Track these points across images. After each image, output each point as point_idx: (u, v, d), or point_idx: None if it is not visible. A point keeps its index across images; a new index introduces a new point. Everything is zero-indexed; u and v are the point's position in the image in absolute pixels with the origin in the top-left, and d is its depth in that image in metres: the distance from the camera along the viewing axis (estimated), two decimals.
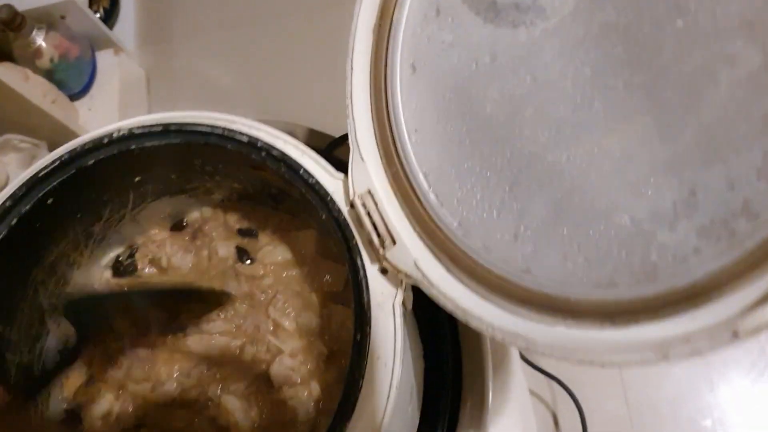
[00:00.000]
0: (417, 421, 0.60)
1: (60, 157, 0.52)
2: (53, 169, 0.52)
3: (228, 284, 0.60)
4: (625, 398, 1.18)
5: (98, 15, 1.45)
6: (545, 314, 0.40)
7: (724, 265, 0.34)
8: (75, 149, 0.52)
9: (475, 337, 0.65)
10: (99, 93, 1.36)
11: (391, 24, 0.48)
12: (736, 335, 0.33)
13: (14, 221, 0.51)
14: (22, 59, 1.22)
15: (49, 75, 1.25)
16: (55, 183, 0.52)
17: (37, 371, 0.59)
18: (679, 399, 1.16)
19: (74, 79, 1.31)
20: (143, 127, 0.52)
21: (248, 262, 0.62)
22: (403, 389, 0.47)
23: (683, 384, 1.16)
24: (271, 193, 0.61)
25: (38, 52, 1.22)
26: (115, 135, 0.52)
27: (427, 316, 0.62)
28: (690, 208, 0.35)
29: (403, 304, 0.47)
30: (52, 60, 1.23)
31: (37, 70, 1.23)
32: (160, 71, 1.53)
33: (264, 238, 0.63)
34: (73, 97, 1.33)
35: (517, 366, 0.74)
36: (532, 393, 1.16)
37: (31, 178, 0.52)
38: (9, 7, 1.15)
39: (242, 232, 0.64)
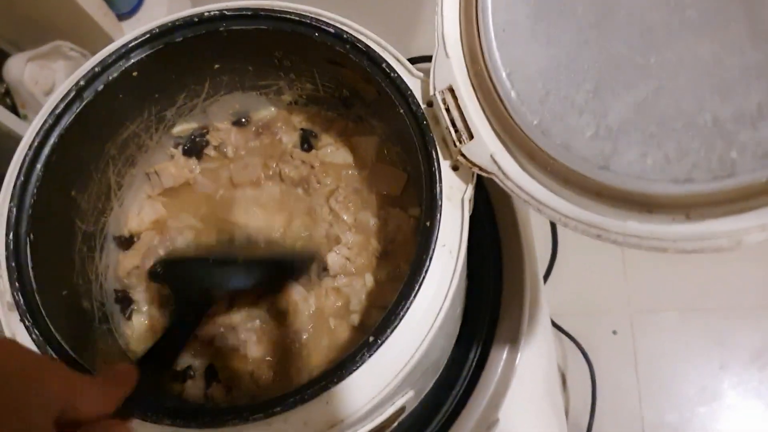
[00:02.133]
0: (458, 331, 0.63)
1: (150, 31, 0.54)
2: (143, 41, 0.54)
3: (283, 167, 0.63)
4: (635, 370, 1.21)
5: None
6: (620, 208, 0.42)
7: None
8: (165, 24, 0.54)
9: (517, 262, 0.67)
10: (145, 17, 1.38)
11: None
12: None
13: (100, 87, 0.53)
14: None
15: None
16: (142, 56, 0.54)
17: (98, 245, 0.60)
18: (688, 377, 1.19)
19: None
20: (234, 9, 0.54)
21: (306, 146, 0.65)
22: (461, 280, 0.49)
23: (693, 361, 1.19)
24: (342, 96, 0.62)
25: None
26: (206, 14, 0.54)
27: (474, 239, 0.65)
28: None
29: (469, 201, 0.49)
30: None
31: None
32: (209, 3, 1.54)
33: (327, 139, 0.65)
34: (120, 17, 1.34)
35: (545, 306, 0.76)
36: None
37: (122, 46, 0.53)
38: None
39: (305, 132, 0.66)
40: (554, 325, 1.14)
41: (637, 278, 1.25)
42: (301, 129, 0.66)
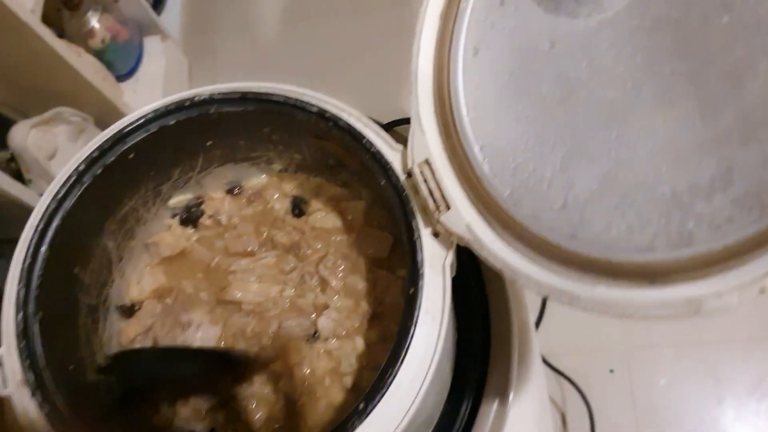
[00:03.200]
0: (448, 386, 0.65)
1: (145, 116, 0.57)
2: (138, 126, 0.57)
3: (275, 234, 0.66)
4: (633, 405, 1.22)
5: (148, 2, 1.51)
6: (588, 274, 0.44)
7: (755, 232, 0.38)
8: (159, 109, 0.57)
9: (504, 314, 0.69)
10: (144, 77, 1.43)
11: (457, 11, 0.53)
12: (763, 291, 0.37)
13: (99, 171, 0.56)
14: (75, 38, 1.29)
15: (99, 55, 1.31)
16: (138, 139, 0.57)
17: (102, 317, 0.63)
18: (686, 411, 1.19)
19: (122, 61, 1.37)
20: (222, 93, 0.57)
21: (297, 212, 0.68)
22: (446, 342, 0.51)
23: (691, 396, 1.20)
24: (328, 164, 0.66)
25: (91, 32, 1.28)
26: (196, 98, 0.57)
27: (460, 295, 0.67)
28: (726, 182, 0.40)
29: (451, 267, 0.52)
30: (103, 41, 1.30)
31: (88, 49, 1.29)
32: (203, 60, 1.60)
33: (316, 204, 0.68)
34: (120, 78, 1.39)
35: (536, 352, 0.78)
36: None
37: (118, 131, 0.56)
38: None
39: (296, 199, 0.69)
40: (550, 366, 1.16)
41: None
42: (292, 196, 0.69)
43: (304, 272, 0.64)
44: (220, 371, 0.62)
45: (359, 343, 0.61)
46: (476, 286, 0.69)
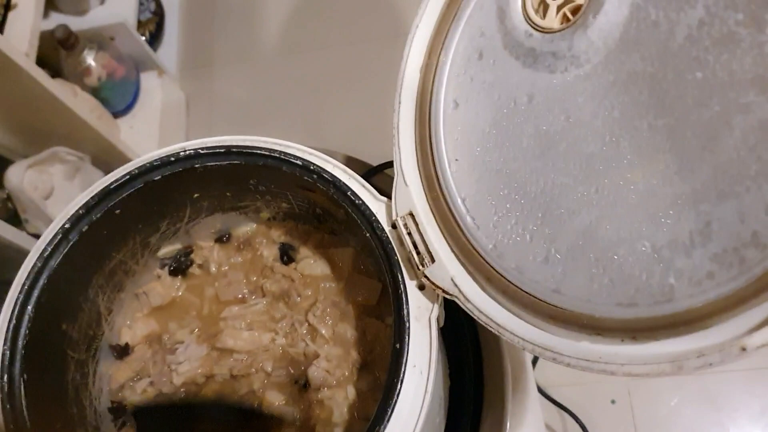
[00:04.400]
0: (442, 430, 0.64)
1: (130, 172, 0.57)
2: (123, 182, 0.57)
3: (265, 282, 0.66)
4: None
5: (144, 38, 1.52)
6: (572, 330, 0.44)
7: (734, 289, 0.38)
8: (144, 165, 0.57)
9: (496, 360, 0.69)
10: (141, 112, 1.44)
11: (437, 65, 0.53)
12: (744, 350, 0.37)
13: (85, 228, 0.57)
14: (71, 76, 1.30)
15: (96, 93, 1.33)
16: (124, 195, 0.57)
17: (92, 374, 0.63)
18: None
19: (119, 98, 1.39)
20: (207, 147, 0.57)
21: (285, 259, 0.68)
22: (434, 397, 0.51)
23: (694, 426, 1.18)
24: (315, 213, 0.66)
25: (87, 70, 1.30)
26: (181, 154, 0.57)
27: (453, 339, 0.67)
28: (705, 237, 0.40)
29: (437, 319, 0.52)
30: (99, 78, 1.31)
31: (84, 87, 1.31)
32: (200, 95, 1.61)
33: (305, 251, 0.68)
34: (116, 114, 1.41)
35: (533, 393, 0.77)
36: (546, 425, 1.18)
37: (104, 189, 0.57)
38: (64, 27, 1.23)
39: (284, 246, 0.69)
40: (550, 399, 1.16)
41: None
42: (281, 243, 0.69)
43: (294, 320, 0.64)
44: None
45: (350, 393, 0.61)
46: (468, 329, 0.69)
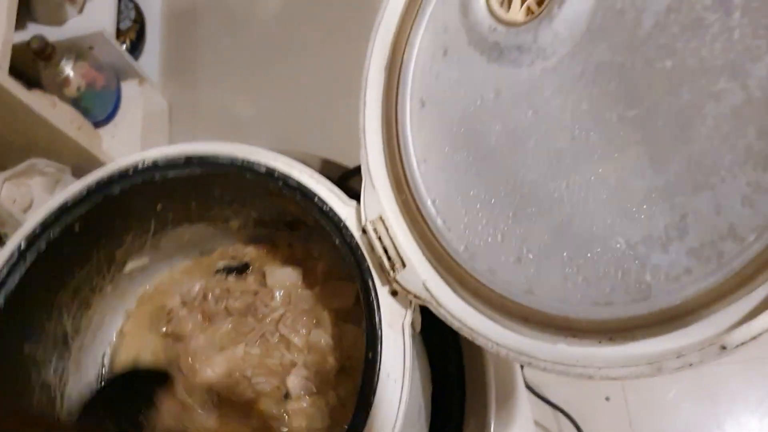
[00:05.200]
0: None
1: (88, 186, 0.55)
2: (81, 199, 0.55)
3: (227, 301, 0.64)
4: None
5: (125, 47, 1.51)
6: (547, 332, 0.43)
7: (713, 284, 0.37)
8: (102, 179, 0.55)
9: (479, 363, 0.67)
10: (122, 121, 1.42)
11: (401, 63, 0.51)
12: (724, 349, 0.35)
13: (43, 246, 0.54)
14: (50, 87, 1.28)
15: (76, 103, 1.30)
16: (82, 211, 0.55)
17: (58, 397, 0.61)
18: None
19: (99, 107, 1.37)
20: (166, 158, 0.55)
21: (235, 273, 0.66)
22: (411, 406, 0.49)
23: (690, 420, 1.17)
24: (286, 221, 0.64)
25: (66, 80, 1.27)
26: (140, 166, 0.55)
27: (435, 342, 0.65)
28: (681, 231, 0.38)
29: (412, 325, 0.50)
30: (79, 89, 1.29)
31: (64, 98, 1.29)
32: (182, 102, 1.59)
33: (277, 260, 0.66)
34: (98, 124, 1.38)
35: (522, 394, 0.76)
36: (538, 424, 1.17)
37: (61, 206, 0.54)
38: (40, 37, 1.21)
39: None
40: (541, 398, 1.14)
41: None
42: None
43: (265, 331, 0.62)
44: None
45: (332, 398, 0.59)
46: (450, 330, 0.67)
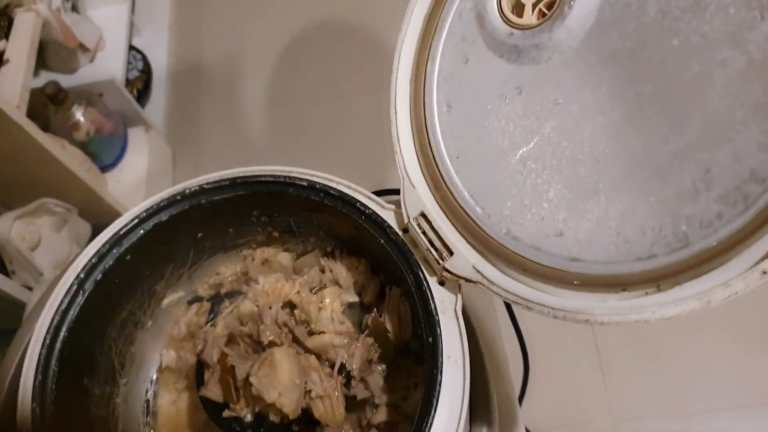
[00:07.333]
0: None
1: (138, 215, 0.58)
2: (133, 227, 0.58)
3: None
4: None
5: (132, 95, 1.56)
6: (597, 291, 0.47)
7: (743, 223, 0.42)
8: (151, 206, 0.58)
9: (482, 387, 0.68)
10: (128, 167, 1.46)
11: (425, 74, 0.57)
12: (765, 273, 0.40)
13: (99, 276, 0.57)
14: (60, 131, 1.32)
15: (84, 147, 1.35)
16: (134, 239, 0.58)
17: None
18: None
19: (106, 152, 1.42)
20: (212, 182, 0.59)
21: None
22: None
23: None
24: (318, 236, 0.67)
25: (76, 125, 1.33)
26: (187, 191, 0.58)
27: None
28: (707, 183, 0.43)
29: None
30: (88, 133, 1.33)
31: (73, 142, 1.33)
32: (186, 149, 1.66)
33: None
34: (104, 169, 1.43)
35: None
36: None
37: (114, 234, 0.57)
38: (54, 83, 1.28)
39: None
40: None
41: (617, 385, 1.26)
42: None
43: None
44: None
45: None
46: None
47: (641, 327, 1.27)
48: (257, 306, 0.65)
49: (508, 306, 0.91)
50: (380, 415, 0.61)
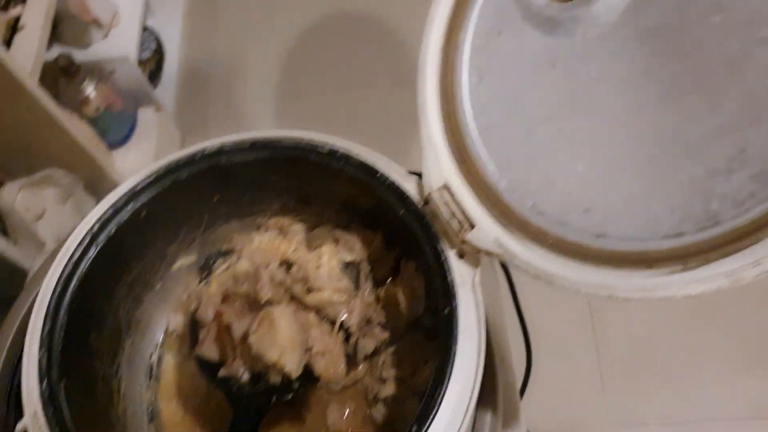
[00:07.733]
0: None
1: (156, 171, 0.57)
2: (151, 182, 0.57)
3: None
4: None
5: (144, 74, 1.54)
6: (622, 267, 0.46)
7: None
8: (170, 164, 0.57)
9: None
10: (135, 146, 1.45)
11: (457, 43, 0.56)
12: None
13: (113, 230, 0.56)
14: (69, 105, 1.30)
15: (93, 123, 1.33)
16: (151, 195, 0.57)
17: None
18: None
19: (115, 129, 1.40)
20: (232, 143, 0.58)
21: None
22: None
23: None
24: (337, 208, 0.66)
25: (86, 100, 1.31)
26: (207, 150, 0.58)
27: None
28: (741, 162, 0.43)
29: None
30: (98, 109, 1.32)
31: (82, 116, 1.31)
32: (195, 134, 1.64)
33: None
34: (111, 147, 1.40)
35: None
36: None
37: (131, 189, 0.56)
38: (67, 56, 1.26)
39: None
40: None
41: (616, 391, 1.25)
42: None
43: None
44: None
45: None
46: None
47: (642, 332, 1.28)
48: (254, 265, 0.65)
49: (515, 300, 0.90)
50: (388, 389, 0.60)
